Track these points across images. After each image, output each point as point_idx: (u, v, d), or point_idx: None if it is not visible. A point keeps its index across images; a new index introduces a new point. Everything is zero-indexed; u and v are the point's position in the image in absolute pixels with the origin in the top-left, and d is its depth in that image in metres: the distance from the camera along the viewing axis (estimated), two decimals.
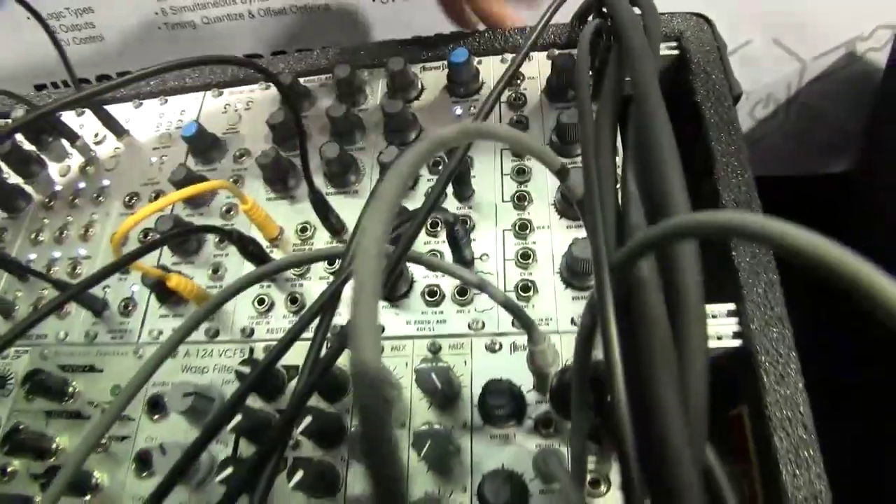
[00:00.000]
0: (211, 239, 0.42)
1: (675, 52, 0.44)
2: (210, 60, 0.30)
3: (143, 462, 0.35)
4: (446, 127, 0.17)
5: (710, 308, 0.34)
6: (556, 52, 0.43)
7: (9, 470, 0.37)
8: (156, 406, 0.37)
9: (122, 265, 0.32)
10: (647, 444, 0.16)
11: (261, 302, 0.38)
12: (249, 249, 0.37)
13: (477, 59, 0.45)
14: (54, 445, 0.37)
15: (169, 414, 0.36)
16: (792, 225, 0.11)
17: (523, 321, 0.26)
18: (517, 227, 0.37)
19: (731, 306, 0.33)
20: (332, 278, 0.37)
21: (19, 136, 0.49)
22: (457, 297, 0.36)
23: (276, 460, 0.24)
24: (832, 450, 0.30)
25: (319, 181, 0.42)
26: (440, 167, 0.40)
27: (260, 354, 0.37)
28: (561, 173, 0.23)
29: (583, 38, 0.33)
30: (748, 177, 0.37)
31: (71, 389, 0.39)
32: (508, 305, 0.26)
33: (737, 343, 0.32)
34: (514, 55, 0.44)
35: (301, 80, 0.46)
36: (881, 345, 0.41)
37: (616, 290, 0.16)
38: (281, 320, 0.38)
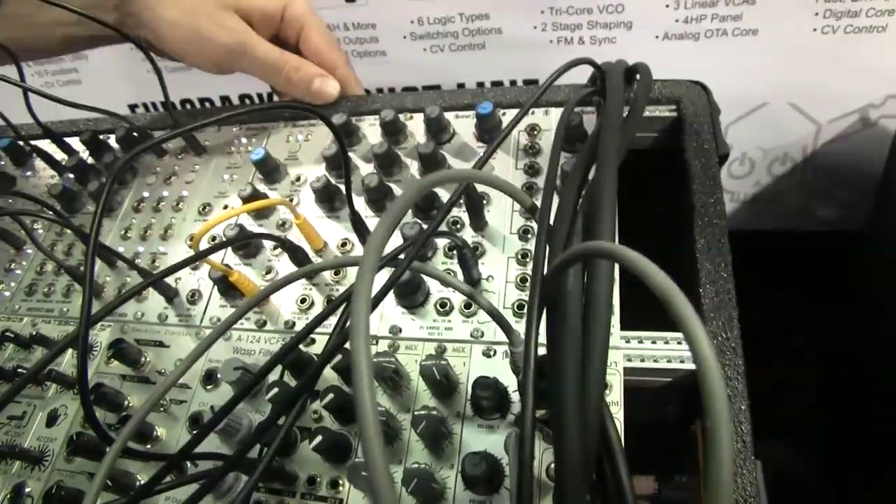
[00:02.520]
0: (267, 245, 0.50)
1: (673, 114, 0.50)
2: (277, 106, 0.38)
3: (195, 421, 0.43)
4: (426, 177, 0.25)
5: (675, 334, 0.40)
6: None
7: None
8: (209, 378, 0.45)
9: (196, 259, 0.41)
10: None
11: (303, 301, 0.46)
12: (298, 256, 0.45)
13: (502, 111, 0.52)
14: (126, 402, 0.46)
15: (220, 385, 0.44)
16: (627, 249, 0.18)
17: (504, 326, 0.33)
18: (519, 256, 0.44)
19: None
20: None
21: (117, 147, 0.60)
22: (463, 309, 0.43)
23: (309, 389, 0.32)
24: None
25: (362, 205, 0.49)
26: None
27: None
28: (531, 210, 0.30)
29: (570, 100, 0.40)
30: (722, 225, 0.43)
31: (143, 359, 0.47)
32: (492, 313, 0.32)
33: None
34: (533, 109, 0.52)
35: (353, 119, 0.54)
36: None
37: (546, 294, 0.23)
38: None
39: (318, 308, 0.46)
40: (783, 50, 0.68)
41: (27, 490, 0.44)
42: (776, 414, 0.62)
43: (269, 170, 0.53)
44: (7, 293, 0.56)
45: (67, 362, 0.49)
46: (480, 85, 0.75)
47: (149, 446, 0.43)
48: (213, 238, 0.51)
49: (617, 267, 0.39)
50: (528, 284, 0.43)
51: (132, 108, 0.90)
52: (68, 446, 0.42)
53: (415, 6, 0.70)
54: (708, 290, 0.40)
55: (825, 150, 0.77)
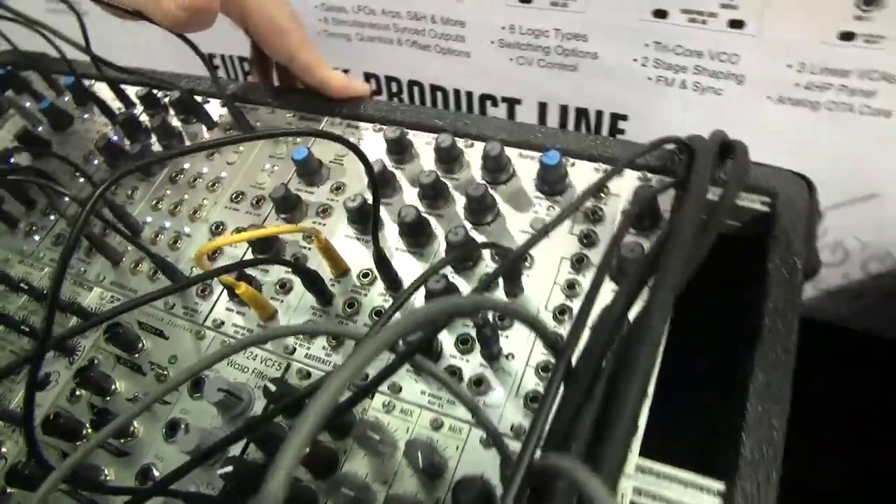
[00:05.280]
0: (288, 254, 0.47)
1: (765, 208, 0.43)
2: (304, 133, 0.34)
3: (172, 429, 0.41)
4: (430, 306, 0.20)
5: (698, 479, 0.34)
6: (647, 175, 0.44)
7: (76, 394, 0.45)
8: (197, 386, 0.43)
9: (203, 279, 0.38)
10: None
11: None
12: (311, 281, 0.42)
13: (570, 161, 0.46)
14: (114, 387, 0.44)
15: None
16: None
17: (501, 449, 0.28)
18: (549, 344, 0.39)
19: (721, 486, 0.34)
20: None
21: (171, 111, 0.58)
22: (473, 385, 0.39)
23: None
24: None
25: (395, 233, 0.45)
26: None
27: (293, 374, 0.42)
28: (552, 346, 0.25)
29: (634, 202, 0.34)
30: (789, 363, 0.37)
31: (140, 345, 0.46)
32: (492, 434, 0.28)
33: None
34: (606, 167, 0.46)
35: (408, 133, 0.50)
36: None
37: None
38: (320, 350, 0.42)
39: (322, 340, 0.43)
40: None
41: None
42: None
43: (310, 171, 0.50)
44: (37, 237, 0.55)
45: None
46: (564, 109, 0.69)
47: (123, 441, 0.42)
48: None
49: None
50: (548, 374, 0.38)
51: (211, 57, 0.88)
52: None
53: (510, 12, 0.64)
54: (751, 437, 0.34)
55: None
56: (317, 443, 0.36)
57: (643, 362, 0.22)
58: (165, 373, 0.44)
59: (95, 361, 0.46)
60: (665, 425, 0.37)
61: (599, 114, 0.67)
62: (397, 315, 0.33)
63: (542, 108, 0.69)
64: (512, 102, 0.70)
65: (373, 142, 0.51)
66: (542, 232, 0.34)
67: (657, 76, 0.62)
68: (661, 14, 0.58)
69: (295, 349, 0.43)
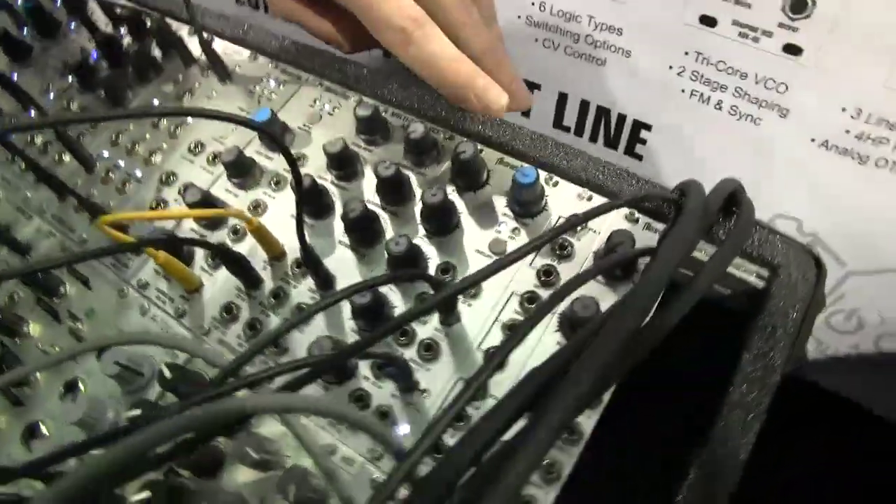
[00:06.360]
0: (231, 222, 0.43)
1: (760, 283, 0.37)
2: (204, 114, 0.30)
3: (68, 390, 0.39)
4: (250, 398, 0.16)
5: None
6: (635, 216, 0.39)
7: None
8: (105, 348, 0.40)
9: (115, 251, 0.35)
10: None
11: (227, 311, 0.40)
12: (236, 266, 0.38)
13: (553, 180, 0.41)
14: (26, 329, 0.42)
15: None
16: None
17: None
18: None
19: None
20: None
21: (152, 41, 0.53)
22: (378, 415, 0.35)
23: None
24: None
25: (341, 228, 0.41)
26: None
27: (199, 360, 0.39)
28: (397, 457, 0.20)
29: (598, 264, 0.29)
30: (736, 471, 0.32)
31: (62, 291, 0.43)
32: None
33: None
34: (591, 195, 0.40)
35: (384, 109, 0.45)
36: None
37: None
38: (235, 338, 0.39)
39: (240, 325, 0.39)
40: None
41: None
42: None
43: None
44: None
45: None
46: (585, 105, 0.62)
47: (20, 389, 0.40)
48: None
49: None
50: (463, 426, 0.34)
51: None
52: None
53: None
54: None
55: None
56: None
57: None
58: (79, 325, 0.42)
59: (15, 298, 0.44)
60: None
61: (622, 118, 0.60)
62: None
63: (562, 99, 0.63)
64: (530, 86, 0.64)
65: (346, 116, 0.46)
66: (474, 279, 0.30)
67: (692, 90, 0.54)
68: (709, 21, 0.50)
69: (210, 330, 0.40)
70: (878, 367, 0.64)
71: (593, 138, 0.63)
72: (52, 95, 0.54)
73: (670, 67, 0.54)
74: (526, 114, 0.66)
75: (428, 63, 0.39)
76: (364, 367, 0.37)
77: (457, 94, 0.40)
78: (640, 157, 0.62)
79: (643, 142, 0.61)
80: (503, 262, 0.29)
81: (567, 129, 0.64)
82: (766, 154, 0.54)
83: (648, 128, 0.59)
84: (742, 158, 0.55)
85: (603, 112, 0.61)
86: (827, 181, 0.53)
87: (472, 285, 0.30)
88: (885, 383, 0.65)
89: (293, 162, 0.32)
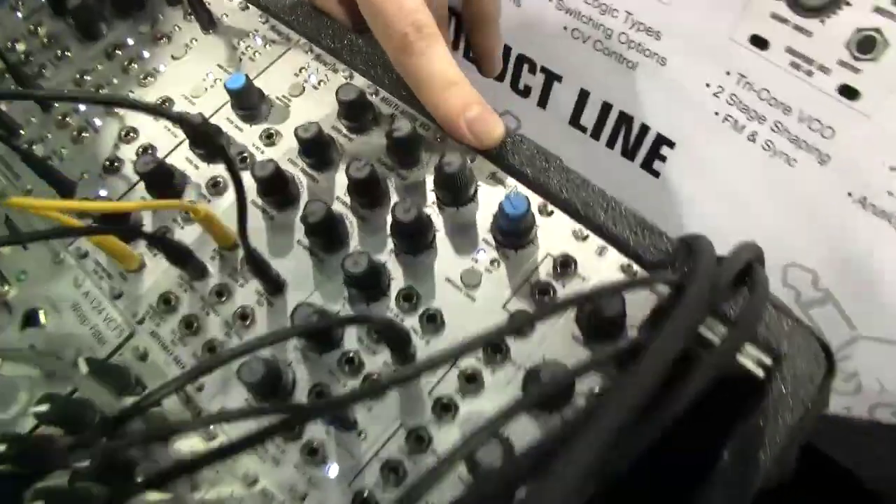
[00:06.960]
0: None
1: (760, 373, 0.33)
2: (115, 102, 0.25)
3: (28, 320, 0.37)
4: None
5: None
6: (633, 267, 0.34)
7: None
8: (30, 321, 0.37)
9: (31, 239, 0.30)
10: None
11: (166, 301, 0.36)
12: (176, 257, 0.34)
13: (548, 209, 0.36)
14: None
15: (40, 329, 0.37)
16: None
17: None
18: (413, 438, 0.31)
19: None
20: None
21: None
22: (304, 451, 0.32)
23: None
24: None
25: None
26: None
27: (129, 350, 0.35)
28: None
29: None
30: None
31: None
32: None
33: None
34: (587, 234, 0.35)
35: (371, 94, 0.39)
36: None
37: None
38: (168, 332, 0.36)
39: (178, 318, 0.36)
40: None
41: None
42: None
43: (247, 105, 0.40)
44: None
45: None
46: (606, 107, 0.56)
47: None
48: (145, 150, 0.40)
49: None
50: (394, 476, 0.31)
51: None
52: None
53: None
54: None
55: None
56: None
57: None
58: (7, 288, 0.38)
59: None
60: None
61: (644, 128, 0.54)
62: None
63: (583, 96, 0.57)
64: (551, 77, 0.58)
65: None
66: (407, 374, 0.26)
67: (726, 114, 0.49)
68: (760, 43, 0.44)
69: (143, 319, 0.36)
70: (870, 436, 0.60)
71: (610, 144, 0.58)
72: (19, 14, 0.48)
73: (707, 85, 0.48)
74: (542, 104, 0.60)
75: (421, 83, 0.36)
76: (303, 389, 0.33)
77: (446, 125, 0.37)
78: (656, 174, 0.56)
79: (663, 158, 0.55)
80: (453, 353, 0.24)
81: (583, 129, 0.59)
82: (793, 198, 0.49)
83: (671, 144, 0.54)
84: (766, 198, 0.50)
85: (625, 119, 0.55)
86: (855, 240, 0.47)
87: (413, 377, 0.26)
88: (876, 454, 0.62)
89: (236, 173, 0.27)
